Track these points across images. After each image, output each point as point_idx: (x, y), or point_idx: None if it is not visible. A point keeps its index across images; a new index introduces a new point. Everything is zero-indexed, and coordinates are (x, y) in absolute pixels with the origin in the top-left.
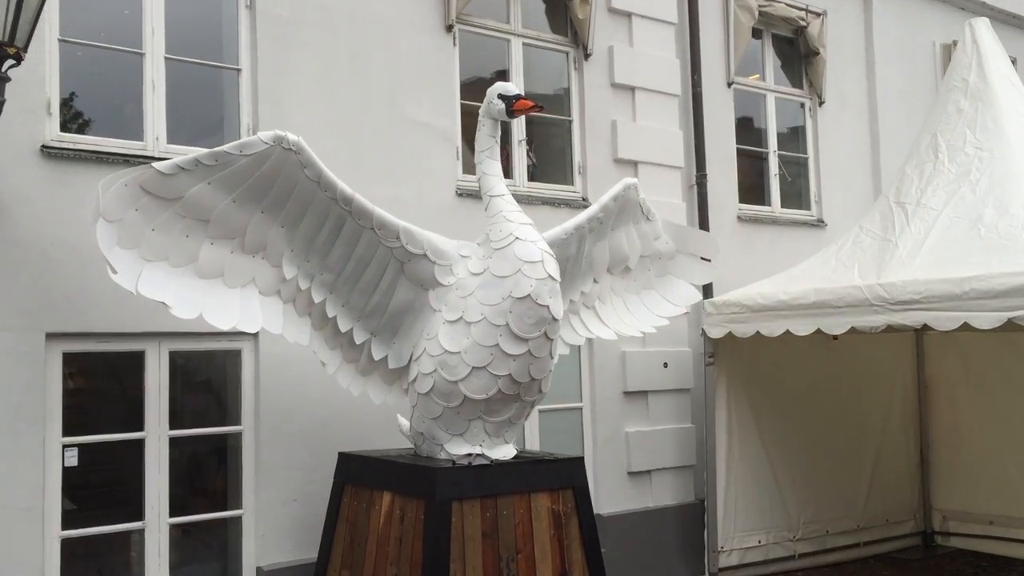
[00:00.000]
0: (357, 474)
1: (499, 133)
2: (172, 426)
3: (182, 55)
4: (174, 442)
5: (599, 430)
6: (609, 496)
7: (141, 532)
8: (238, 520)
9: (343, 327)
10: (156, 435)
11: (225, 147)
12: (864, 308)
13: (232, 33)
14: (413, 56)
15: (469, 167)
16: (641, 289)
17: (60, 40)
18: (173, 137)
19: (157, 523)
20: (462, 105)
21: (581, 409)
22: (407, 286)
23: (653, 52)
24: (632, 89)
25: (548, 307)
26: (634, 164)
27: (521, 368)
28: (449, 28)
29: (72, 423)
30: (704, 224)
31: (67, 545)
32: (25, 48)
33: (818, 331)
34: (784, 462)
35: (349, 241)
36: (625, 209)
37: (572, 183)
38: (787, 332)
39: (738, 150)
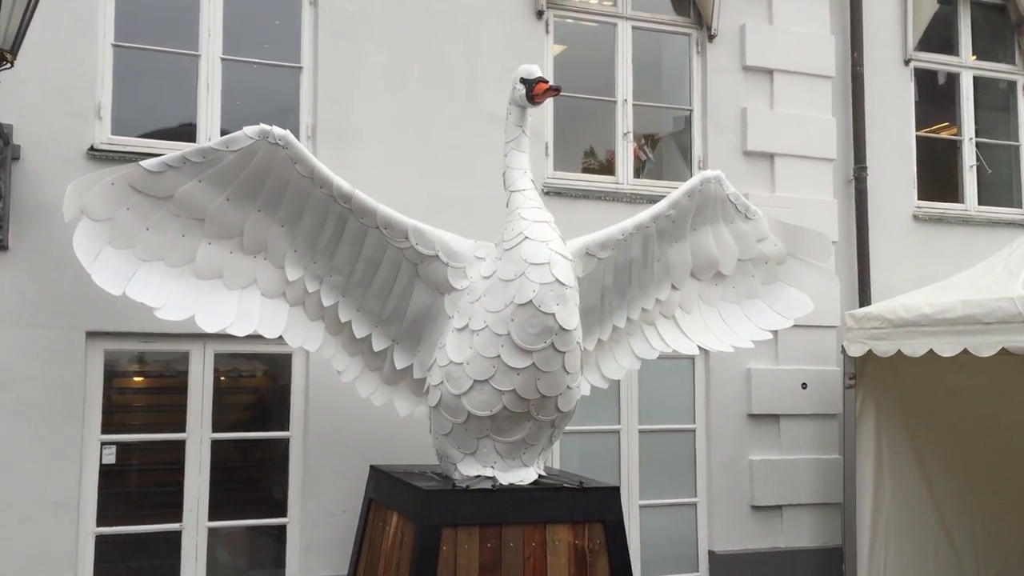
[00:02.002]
0: (379, 490)
1: (527, 122)
2: (215, 429)
3: (242, 55)
4: (218, 445)
5: (715, 456)
6: (725, 531)
7: (178, 535)
8: (282, 529)
9: (358, 333)
10: (198, 437)
11: (212, 143)
12: (1017, 325)
13: (294, 31)
14: (496, 46)
15: (562, 163)
16: (742, 298)
17: (114, 45)
18: None
19: (195, 526)
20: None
21: (694, 432)
22: (424, 290)
23: (799, 29)
24: (769, 72)
25: (554, 315)
26: (769, 157)
27: (526, 383)
28: (540, 14)
29: (113, 421)
30: (863, 225)
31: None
32: (11, 51)
33: (965, 351)
34: (957, 506)
35: (355, 241)
36: (708, 206)
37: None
38: (936, 351)
39: (918, 139)
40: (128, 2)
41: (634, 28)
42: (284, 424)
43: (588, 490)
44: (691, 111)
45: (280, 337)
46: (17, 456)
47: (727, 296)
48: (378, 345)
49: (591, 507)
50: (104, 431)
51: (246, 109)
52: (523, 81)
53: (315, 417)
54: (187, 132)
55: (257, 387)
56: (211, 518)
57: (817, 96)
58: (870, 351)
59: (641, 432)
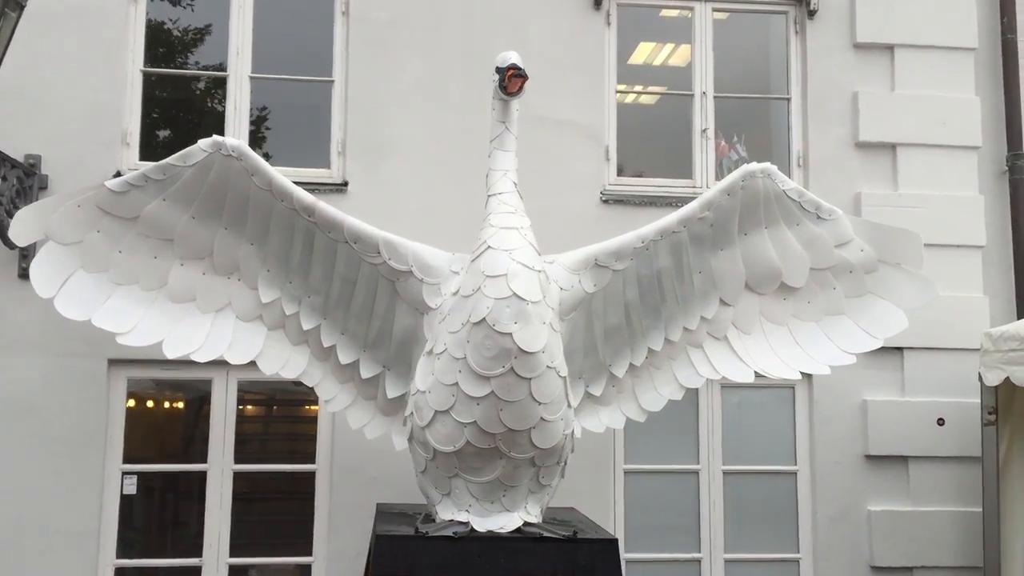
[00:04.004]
0: (374, 532)
1: (512, 116)
2: (238, 460)
3: (273, 72)
4: (241, 477)
5: (823, 505)
6: None
7: (198, 570)
8: (307, 569)
9: (343, 358)
10: (219, 468)
11: (170, 159)
12: None
13: (326, 44)
14: (548, 44)
15: (628, 169)
16: (821, 315)
17: (142, 70)
18: None
19: (216, 562)
20: (620, 96)
21: (795, 474)
22: (406, 309)
23: None
24: (889, 48)
25: (511, 335)
26: (890, 147)
27: (488, 415)
28: (598, 4)
29: (134, 450)
30: (1021, 225)
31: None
32: None
33: None
34: None
35: (326, 258)
36: (758, 205)
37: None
38: None
39: None
40: (157, 27)
41: (715, 10)
42: (310, 457)
43: (577, 541)
44: (788, 100)
45: None
46: (38, 484)
47: (801, 312)
48: (367, 371)
49: (581, 562)
50: (126, 460)
51: (276, 127)
52: (497, 71)
53: (342, 450)
54: None
55: (281, 417)
56: (232, 554)
57: (955, 72)
58: (1008, 379)
59: (726, 473)
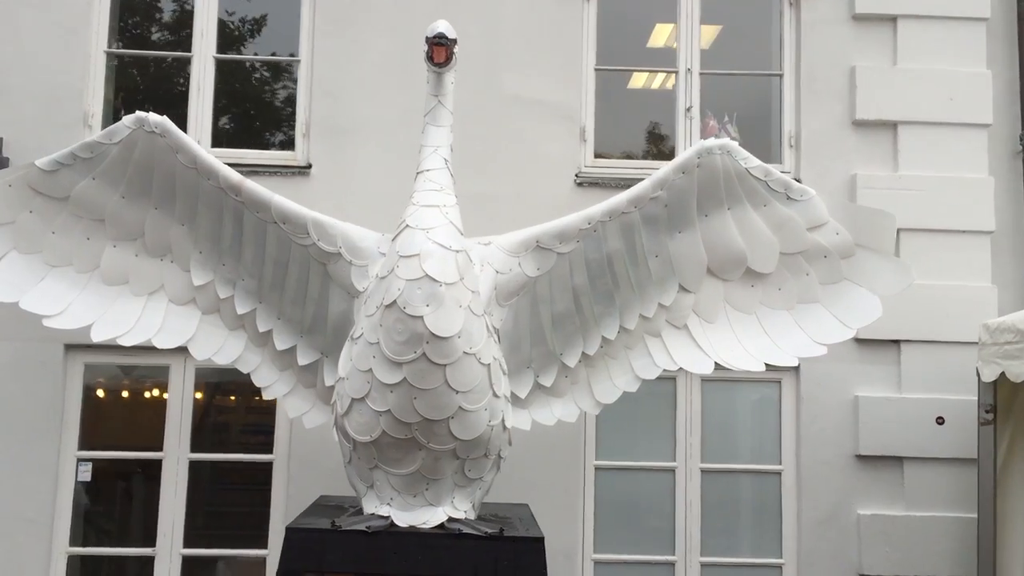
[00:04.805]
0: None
1: (445, 90)
2: (194, 448)
3: (241, 52)
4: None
5: (809, 507)
6: None
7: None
8: (262, 563)
9: (280, 344)
10: (175, 457)
11: (96, 136)
12: None
13: (293, 22)
14: (521, 21)
15: (606, 149)
16: (793, 302)
17: (106, 51)
18: (221, 141)
19: (169, 552)
20: (598, 74)
21: (779, 475)
22: (340, 294)
23: None
24: (892, 19)
25: (422, 319)
26: (891, 126)
27: (402, 403)
28: None
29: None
30: None
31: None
32: None
33: None
34: None
35: (256, 239)
36: (717, 185)
37: (779, 160)
38: None
39: None
40: (122, 7)
41: None
42: (267, 447)
43: (500, 539)
44: (780, 76)
45: None
46: None
47: (771, 300)
48: (304, 358)
49: (504, 561)
50: (81, 447)
51: (239, 107)
52: (425, 40)
53: (300, 440)
54: None
55: (239, 406)
56: (186, 545)
57: (965, 45)
58: (1003, 374)
59: (705, 472)
